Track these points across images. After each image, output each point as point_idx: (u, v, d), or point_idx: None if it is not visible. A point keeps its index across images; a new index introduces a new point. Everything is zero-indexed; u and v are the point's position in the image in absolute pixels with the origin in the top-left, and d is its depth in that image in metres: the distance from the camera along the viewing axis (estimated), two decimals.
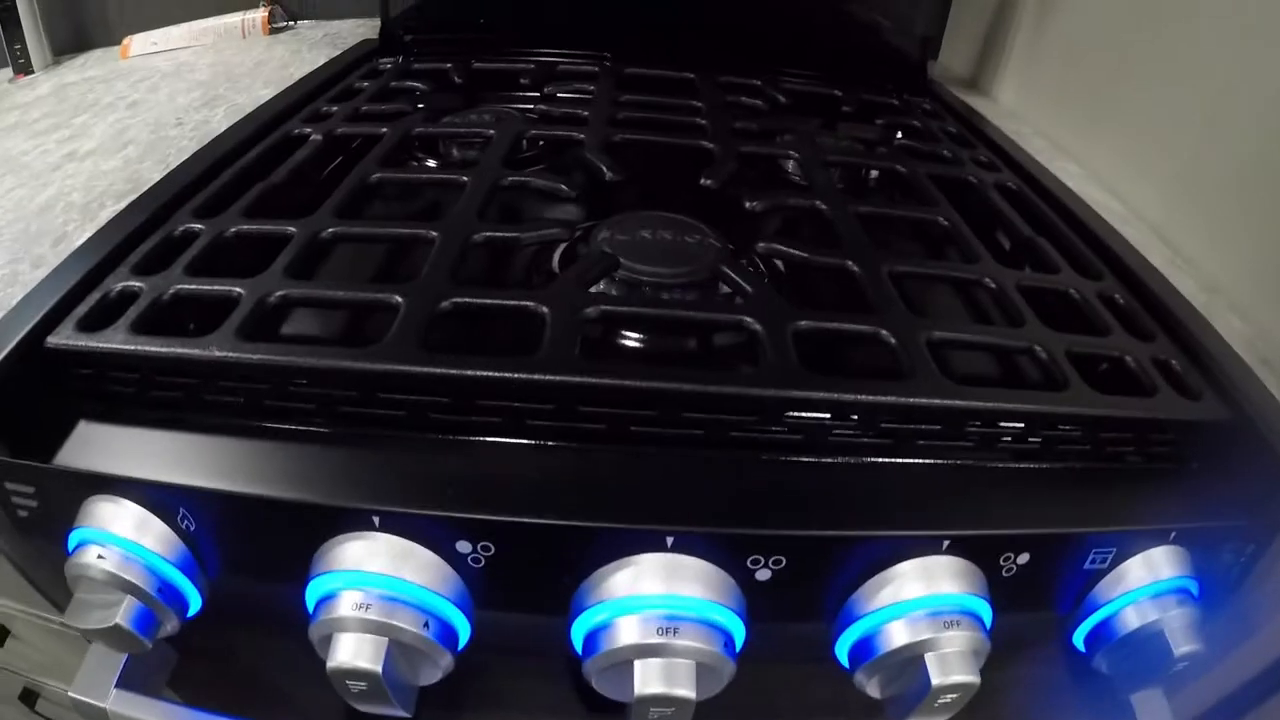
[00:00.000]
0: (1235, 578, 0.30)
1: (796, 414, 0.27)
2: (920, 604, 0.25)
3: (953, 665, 0.25)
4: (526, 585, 0.26)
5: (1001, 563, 0.26)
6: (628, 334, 0.32)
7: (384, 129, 0.45)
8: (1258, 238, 0.39)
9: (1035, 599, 0.28)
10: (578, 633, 0.26)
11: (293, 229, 0.35)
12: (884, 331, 0.29)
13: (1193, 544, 0.28)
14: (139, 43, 0.65)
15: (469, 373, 0.26)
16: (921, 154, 0.47)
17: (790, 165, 0.45)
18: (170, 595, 0.28)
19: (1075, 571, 0.28)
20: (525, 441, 0.27)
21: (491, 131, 0.44)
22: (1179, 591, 0.28)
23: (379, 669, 0.24)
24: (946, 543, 0.25)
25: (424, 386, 0.27)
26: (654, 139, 0.43)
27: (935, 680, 0.25)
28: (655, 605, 0.24)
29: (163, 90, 0.57)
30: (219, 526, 0.27)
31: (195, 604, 0.29)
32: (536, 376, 0.26)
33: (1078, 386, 0.29)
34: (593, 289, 0.31)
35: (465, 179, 0.38)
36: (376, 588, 0.25)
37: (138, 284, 0.32)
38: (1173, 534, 0.28)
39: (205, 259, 0.33)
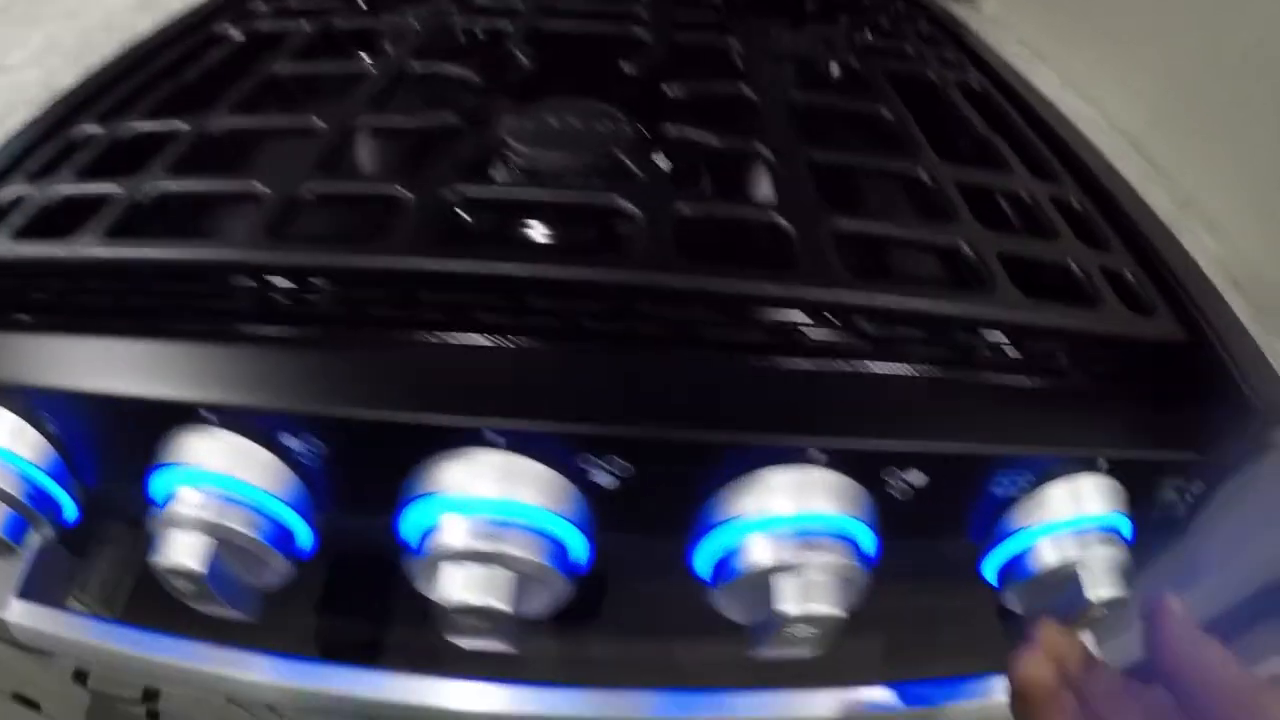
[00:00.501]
0: (1179, 519, 0.27)
1: (664, 307, 0.25)
2: (785, 521, 0.23)
3: (812, 593, 0.22)
4: (362, 485, 0.25)
5: (888, 480, 0.24)
6: (525, 223, 0.29)
7: (305, 24, 0.42)
8: (1239, 153, 0.35)
9: (938, 525, 0.26)
10: (410, 531, 0.24)
11: (185, 127, 0.33)
12: (782, 220, 0.26)
13: (1129, 476, 0.26)
14: None
15: (306, 260, 0.24)
16: (881, 50, 0.42)
17: (737, 61, 0.41)
18: (42, 502, 0.27)
19: (982, 496, 0.25)
20: (366, 331, 0.25)
21: (414, 23, 0.41)
22: (1106, 529, 0.25)
23: (204, 569, 0.23)
24: (819, 453, 0.22)
25: (266, 275, 0.25)
26: (585, 30, 0.40)
27: (788, 609, 0.22)
28: (476, 508, 0.22)
29: None
30: (80, 429, 0.26)
31: (70, 511, 0.28)
32: (372, 262, 0.24)
33: (1004, 289, 0.26)
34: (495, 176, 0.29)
35: (372, 69, 0.36)
36: (211, 486, 0.24)
37: (28, 190, 0.30)
38: (1103, 462, 0.25)
39: (101, 161, 0.32)
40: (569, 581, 0.23)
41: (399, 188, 0.27)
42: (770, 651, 0.24)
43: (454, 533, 0.23)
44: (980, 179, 0.31)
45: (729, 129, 0.32)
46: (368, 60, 0.36)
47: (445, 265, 0.24)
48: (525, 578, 0.23)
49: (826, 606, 0.22)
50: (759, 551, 0.23)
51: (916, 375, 0.25)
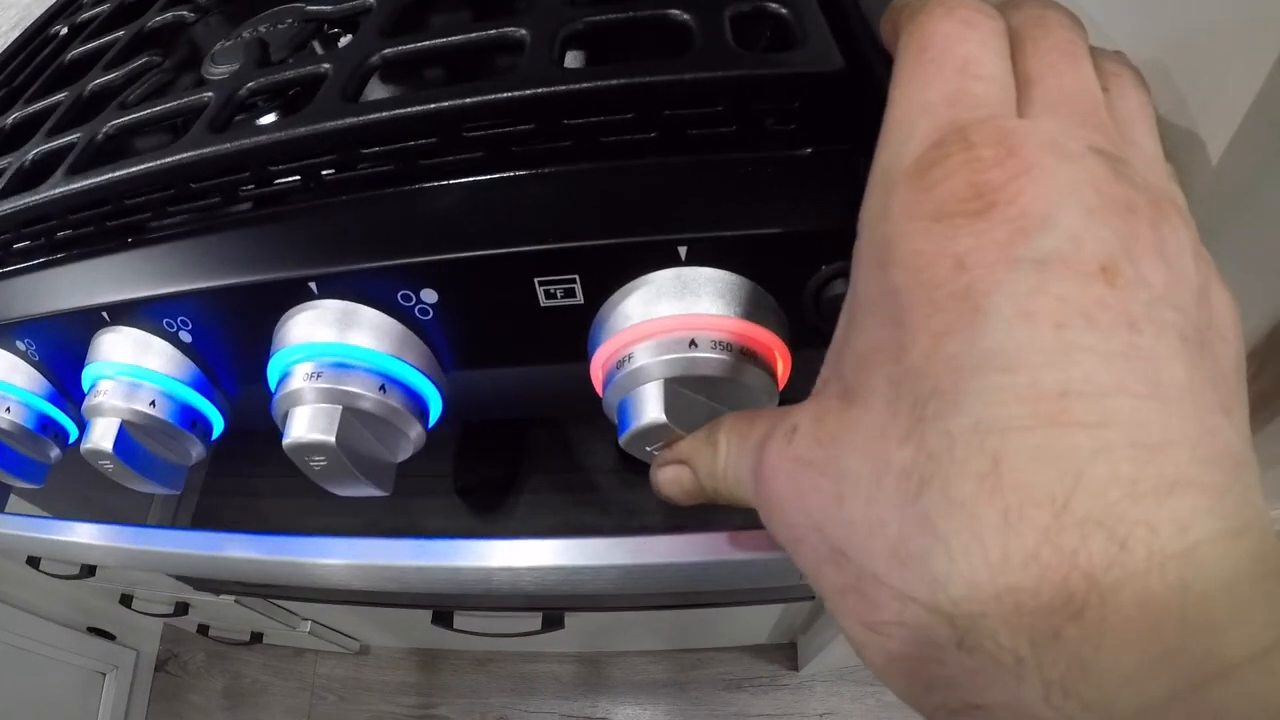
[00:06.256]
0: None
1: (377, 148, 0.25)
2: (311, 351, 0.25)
3: (305, 422, 0.24)
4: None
5: (402, 301, 0.24)
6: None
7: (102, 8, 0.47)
8: None
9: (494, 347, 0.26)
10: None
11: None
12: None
13: (739, 260, 0.23)
14: None
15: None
16: None
17: None
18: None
19: (528, 308, 0.24)
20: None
21: None
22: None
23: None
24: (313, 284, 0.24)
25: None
26: None
27: (288, 437, 0.25)
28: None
29: None
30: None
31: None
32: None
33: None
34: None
35: (123, 35, 0.41)
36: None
37: None
38: (682, 249, 0.22)
39: None
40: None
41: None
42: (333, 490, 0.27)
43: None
44: None
45: None
46: (120, 31, 0.41)
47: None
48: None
49: (318, 435, 0.24)
50: (290, 381, 0.25)
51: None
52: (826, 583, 0.15)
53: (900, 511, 0.13)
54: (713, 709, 1.17)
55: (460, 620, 0.81)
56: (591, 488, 0.49)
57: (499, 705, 1.24)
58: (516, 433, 0.50)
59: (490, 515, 0.50)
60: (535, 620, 0.79)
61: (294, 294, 0.25)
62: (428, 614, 0.82)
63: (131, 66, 0.37)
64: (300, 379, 0.25)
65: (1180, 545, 0.12)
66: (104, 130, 0.32)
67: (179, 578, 0.78)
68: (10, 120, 0.39)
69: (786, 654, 1.18)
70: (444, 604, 0.80)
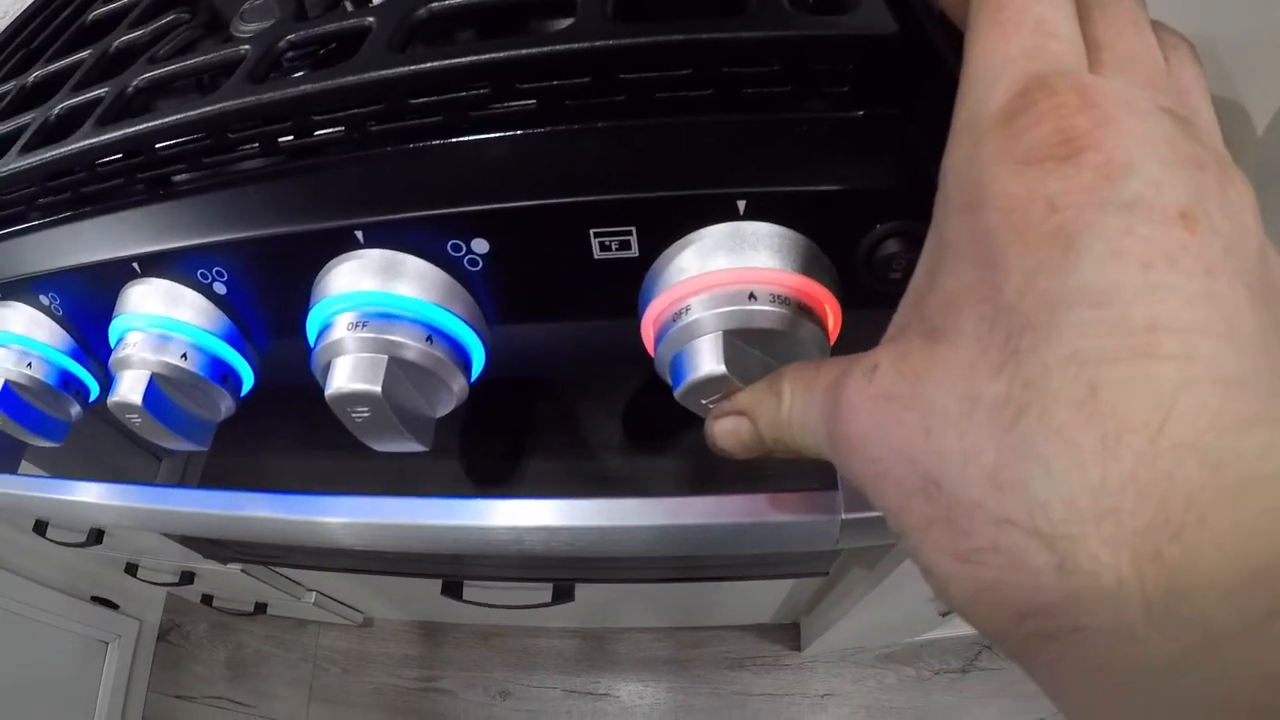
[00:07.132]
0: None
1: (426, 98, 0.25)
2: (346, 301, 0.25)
3: (349, 371, 0.24)
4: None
5: (451, 251, 0.24)
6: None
7: None
8: None
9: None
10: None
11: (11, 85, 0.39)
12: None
13: (797, 216, 0.23)
14: None
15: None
16: None
17: None
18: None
19: (581, 260, 0.24)
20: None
21: None
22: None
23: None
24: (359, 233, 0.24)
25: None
26: None
27: (330, 387, 0.24)
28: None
29: None
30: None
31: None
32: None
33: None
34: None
35: None
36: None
37: None
38: (741, 203, 0.22)
39: None
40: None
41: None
42: (373, 444, 0.27)
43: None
44: None
45: None
46: None
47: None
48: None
49: (362, 384, 0.24)
50: (332, 332, 0.25)
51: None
52: (914, 516, 0.15)
53: (997, 439, 0.14)
54: (715, 687, 1.19)
55: (470, 591, 0.82)
56: (599, 462, 0.49)
57: (501, 679, 1.25)
58: (523, 407, 0.50)
59: (496, 487, 0.50)
60: (545, 592, 0.80)
61: (338, 244, 0.25)
62: (436, 585, 0.82)
63: (158, 24, 0.36)
64: (343, 329, 0.24)
65: (1267, 471, 0.12)
66: (134, 84, 0.32)
67: (188, 543, 0.77)
68: (32, 78, 0.39)
69: (789, 634, 1.19)
70: (461, 571, 0.79)
